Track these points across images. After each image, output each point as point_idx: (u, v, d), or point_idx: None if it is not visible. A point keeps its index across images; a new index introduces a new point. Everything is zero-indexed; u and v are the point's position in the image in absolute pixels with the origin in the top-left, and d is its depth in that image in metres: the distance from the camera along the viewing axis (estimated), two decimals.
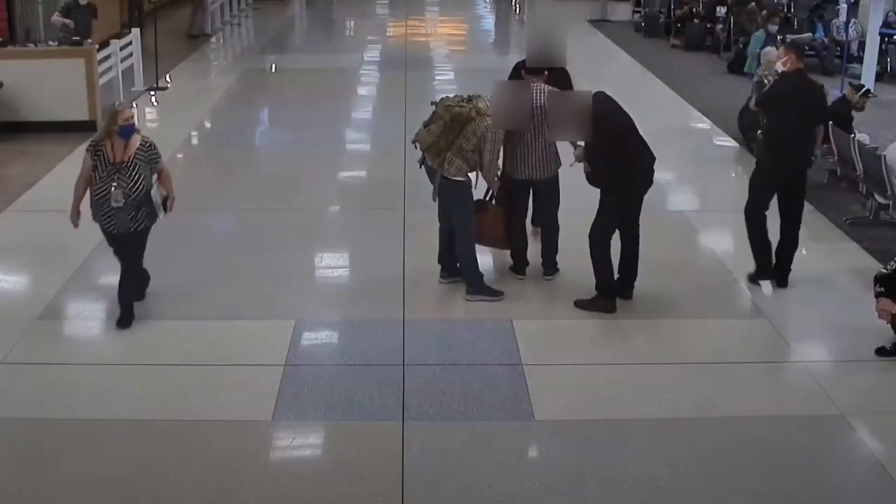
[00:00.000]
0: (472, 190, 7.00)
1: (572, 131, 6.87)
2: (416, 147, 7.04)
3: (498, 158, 6.95)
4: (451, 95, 7.11)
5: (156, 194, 6.54)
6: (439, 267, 7.30)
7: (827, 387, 5.93)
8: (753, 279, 7.38)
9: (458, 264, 7.24)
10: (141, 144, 6.42)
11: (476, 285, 7.05)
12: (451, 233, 7.18)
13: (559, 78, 7.45)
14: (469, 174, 6.89)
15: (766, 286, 7.30)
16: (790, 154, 7.14)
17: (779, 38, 14.33)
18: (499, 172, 7.10)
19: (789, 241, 7.32)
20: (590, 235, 6.85)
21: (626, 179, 6.68)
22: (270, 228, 8.53)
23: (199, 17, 18.95)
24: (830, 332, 6.69)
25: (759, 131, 7.55)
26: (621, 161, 6.62)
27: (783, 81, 7.44)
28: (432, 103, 7.09)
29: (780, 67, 7.56)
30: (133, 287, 6.78)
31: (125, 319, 6.60)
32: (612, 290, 6.91)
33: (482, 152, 6.78)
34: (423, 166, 7.13)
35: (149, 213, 6.49)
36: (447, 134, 6.75)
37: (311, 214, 9.06)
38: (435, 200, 7.11)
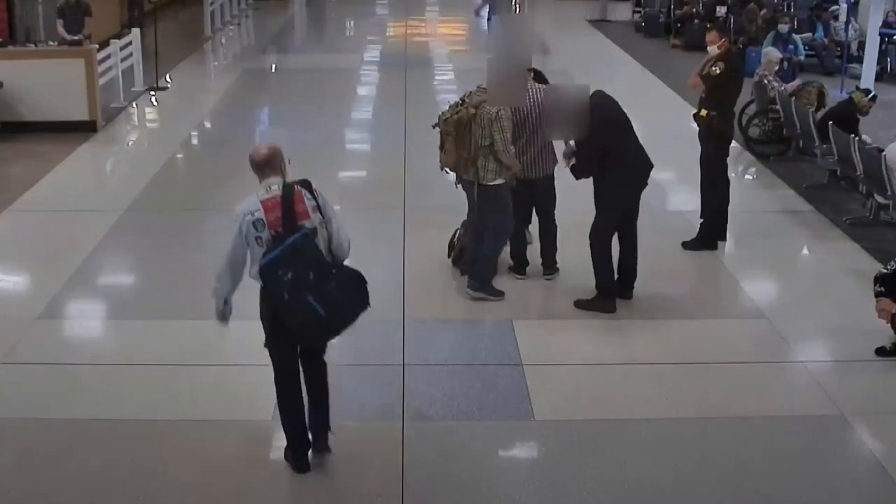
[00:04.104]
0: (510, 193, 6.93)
1: (570, 128, 6.86)
2: (447, 172, 7.08)
3: (510, 142, 6.76)
4: (444, 109, 7.07)
5: None
6: (439, 267, 7.29)
7: (827, 387, 5.93)
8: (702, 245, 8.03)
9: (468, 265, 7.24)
10: None
11: (483, 282, 7.05)
12: (480, 238, 7.11)
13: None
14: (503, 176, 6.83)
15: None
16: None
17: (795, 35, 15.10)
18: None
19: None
20: (590, 237, 6.85)
21: (616, 168, 6.67)
22: None
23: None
24: (830, 332, 6.69)
25: (706, 111, 7.92)
26: (611, 151, 6.62)
27: (732, 61, 8.05)
28: (434, 126, 7.05)
29: (714, 50, 7.94)
30: None
31: None
32: (613, 289, 6.92)
33: (493, 138, 6.66)
34: (458, 185, 7.09)
35: None
36: (462, 142, 6.76)
37: None
38: (472, 211, 7.09)
